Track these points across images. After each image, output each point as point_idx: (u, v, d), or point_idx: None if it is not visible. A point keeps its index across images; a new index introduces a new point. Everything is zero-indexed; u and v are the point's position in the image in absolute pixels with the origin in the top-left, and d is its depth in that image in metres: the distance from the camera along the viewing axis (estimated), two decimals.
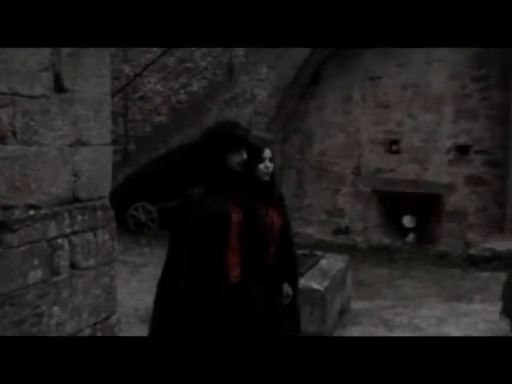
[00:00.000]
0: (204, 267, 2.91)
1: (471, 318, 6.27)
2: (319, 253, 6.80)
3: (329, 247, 8.93)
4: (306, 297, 5.31)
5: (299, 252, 6.88)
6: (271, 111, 9.87)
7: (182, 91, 11.50)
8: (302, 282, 5.50)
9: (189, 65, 11.49)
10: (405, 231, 9.82)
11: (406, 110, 9.75)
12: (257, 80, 9.82)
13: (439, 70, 9.49)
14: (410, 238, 9.73)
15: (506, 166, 9.00)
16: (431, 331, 5.81)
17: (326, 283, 5.59)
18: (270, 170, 3.37)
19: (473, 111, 9.37)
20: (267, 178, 3.37)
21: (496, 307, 5.97)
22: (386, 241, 9.75)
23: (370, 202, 9.99)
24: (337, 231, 10.12)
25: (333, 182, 10.21)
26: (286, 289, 3.57)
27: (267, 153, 3.36)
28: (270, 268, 3.38)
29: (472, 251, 8.71)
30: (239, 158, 3.01)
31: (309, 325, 5.28)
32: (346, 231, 10.10)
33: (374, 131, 9.96)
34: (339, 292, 6.01)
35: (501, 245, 8.46)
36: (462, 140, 9.46)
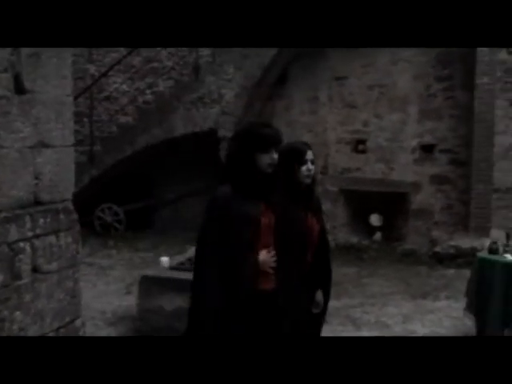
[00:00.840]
0: (230, 272, 2.82)
1: (436, 315, 6.37)
2: None
3: None
4: None
5: None
6: (238, 111, 9.86)
7: (148, 91, 11.42)
8: None
9: (155, 65, 11.42)
10: (372, 230, 9.91)
11: (372, 109, 9.85)
12: (223, 80, 9.80)
13: (404, 70, 9.61)
14: (377, 236, 9.82)
15: (469, 165, 9.15)
16: (397, 329, 5.89)
17: None
18: (312, 172, 3.28)
19: (437, 111, 9.51)
20: (309, 181, 3.29)
21: (460, 304, 6.08)
22: (354, 239, 9.83)
23: (338, 201, 10.05)
24: None
25: None
26: (319, 297, 3.46)
27: (309, 154, 3.28)
28: (306, 276, 3.27)
29: (437, 249, 8.84)
30: (269, 158, 2.90)
31: None
32: None
33: (341, 131, 10.03)
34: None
35: (465, 242, 8.60)
36: (427, 139, 9.59)
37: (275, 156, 2.92)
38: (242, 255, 2.84)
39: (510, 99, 9.27)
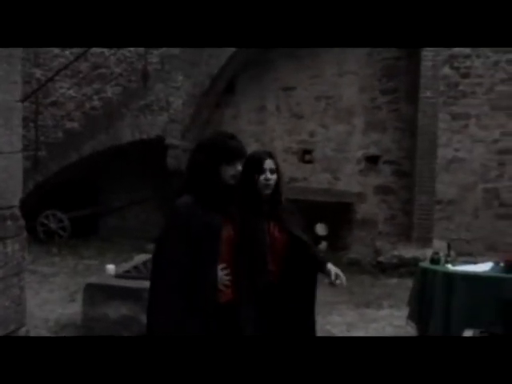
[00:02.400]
0: (191, 285, 2.74)
1: (379, 324, 6.50)
2: None
3: None
4: None
5: None
6: (186, 119, 9.86)
7: (95, 97, 11.28)
8: None
9: (103, 71, 11.29)
10: (317, 239, 10.04)
11: (319, 120, 10.02)
12: (172, 88, 9.78)
13: (350, 82, 9.82)
14: (323, 245, 9.94)
15: (412, 177, 9.41)
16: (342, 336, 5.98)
17: None
18: (271, 182, 3.17)
19: (382, 123, 9.76)
20: (268, 191, 3.18)
21: (403, 312, 6.22)
22: None
23: None
24: None
25: None
26: (332, 268, 3.32)
27: (268, 163, 3.17)
28: (271, 285, 3.17)
29: (381, 258, 9.03)
30: (233, 170, 2.86)
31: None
32: None
33: (288, 141, 10.16)
34: None
35: (408, 252, 8.83)
36: (372, 151, 9.83)
37: (239, 168, 2.89)
38: (204, 268, 2.78)
39: (452, 113, 9.62)
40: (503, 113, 9.71)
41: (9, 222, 3.28)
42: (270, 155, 3.26)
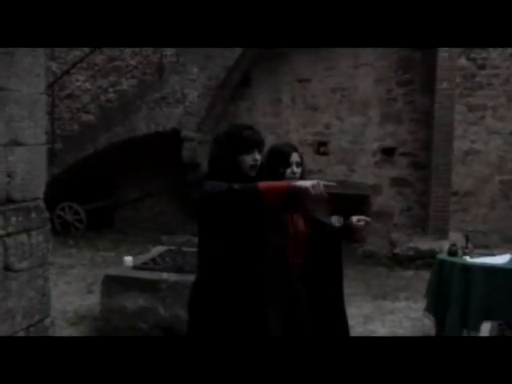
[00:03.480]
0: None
1: (396, 316, 6.51)
2: None
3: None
4: None
5: None
6: (202, 112, 9.86)
7: (111, 90, 11.31)
8: None
9: (118, 63, 11.32)
10: None
11: (334, 112, 10.00)
12: (187, 80, 9.79)
13: (366, 74, 9.79)
14: None
15: (428, 168, 9.37)
16: (359, 329, 5.99)
17: None
18: (297, 175, 3.13)
19: (398, 115, 9.73)
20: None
21: (419, 305, 6.23)
22: None
23: None
24: None
25: None
26: (334, 220, 3.38)
27: (294, 157, 3.14)
28: (295, 278, 3.14)
29: (397, 250, 9.01)
30: (251, 159, 2.83)
31: None
32: None
33: (303, 133, 10.14)
34: None
35: (424, 244, 8.81)
36: (388, 142, 9.80)
37: (258, 157, 2.86)
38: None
39: (468, 104, 9.57)
40: None
41: (33, 214, 3.32)
42: (295, 148, 3.24)
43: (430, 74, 9.33)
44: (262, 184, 2.64)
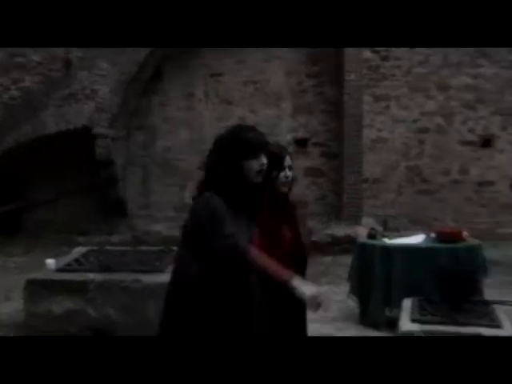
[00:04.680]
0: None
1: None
2: (176, 248, 6.86)
3: (178, 243, 8.98)
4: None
5: (154, 249, 6.91)
6: (113, 108, 9.69)
7: (13, 87, 10.84)
8: (164, 277, 5.54)
9: (20, 59, 10.86)
10: None
11: (248, 105, 10.11)
12: (97, 76, 9.58)
13: (277, 66, 9.98)
14: None
15: (340, 158, 9.70)
16: None
17: None
18: (289, 179, 3.00)
19: (309, 106, 9.99)
20: (285, 189, 3.00)
21: (341, 288, 6.45)
22: None
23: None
24: None
25: (179, 177, 10.29)
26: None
27: (287, 160, 2.97)
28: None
29: (314, 238, 9.26)
30: (258, 164, 2.57)
31: None
32: None
33: (218, 127, 10.14)
34: None
35: (339, 230, 9.12)
36: (301, 134, 10.05)
37: (264, 161, 2.60)
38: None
39: (374, 95, 9.98)
40: (421, 94, 10.17)
41: None
42: (287, 150, 3.12)
43: (338, 66, 9.64)
44: (260, 259, 2.46)
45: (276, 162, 2.89)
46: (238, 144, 2.58)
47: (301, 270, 3.07)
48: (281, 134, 10.07)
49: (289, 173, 2.98)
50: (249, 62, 9.97)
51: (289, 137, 10.06)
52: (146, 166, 10.38)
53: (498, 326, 4.32)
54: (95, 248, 6.54)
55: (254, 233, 2.66)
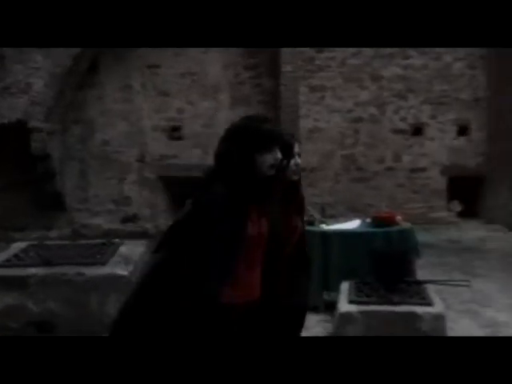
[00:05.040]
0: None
1: None
2: (117, 240, 6.88)
3: (118, 236, 8.95)
4: (110, 284, 5.39)
5: (95, 242, 6.90)
6: (49, 101, 9.52)
7: None
8: (107, 269, 5.57)
9: None
10: None
11: (185, 97, 10.15)
12: (31, 69, 9.39)
13: (214, 58, 10.04)
14: None
15: None
16: None
17: (129, 268, 5.68)
18: (299, 167, 2.91)
19: (247, 97, 10.11)
20: (296, 178, 2.91)
21: None
22: None
23: (157, 188, 10.23)
24: (125, 219, 10.19)
25: (118, 170, 10.24)
26: None
27: (296, 147, 2.87)
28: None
29: None
30: (272, 158, 2.46)
31: (116, 311, 5.37)
32: (134, 218, 10.22)
33: (156, 119, 10.20)
34: None
35: None
36: None
37: (279, 155, 2.49)
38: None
39: (310, 86, 10.20)
40: (355, 84, 10.46)
41: None
42: (295, 137, 3.00)
43: (274, 57, 9.80)
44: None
45: (285, 150, 2.74)
46: (251, 136, 2.46)
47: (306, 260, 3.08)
48: (219, 125, 10.15)
49: (298, 160, 2.90)
50: (186, 54, 9.99)
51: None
52: (83, 160, 10.27)
53: (430, 304, 4.59)
54: (35, 243, 6.46)
55: (264, 225, 2.54)
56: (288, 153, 2.72)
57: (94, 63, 10.01)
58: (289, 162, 2.77)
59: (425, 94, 10.55)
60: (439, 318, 4.44)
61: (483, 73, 10.59)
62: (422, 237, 6.86)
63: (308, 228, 6.01)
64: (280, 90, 9.62)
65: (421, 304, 4.48)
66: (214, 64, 10.06)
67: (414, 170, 10.66)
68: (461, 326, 5.31)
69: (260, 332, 2.60)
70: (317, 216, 6.24)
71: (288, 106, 9.61)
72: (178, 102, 10.17)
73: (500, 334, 5.14)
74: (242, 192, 2.44)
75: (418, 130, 10.64)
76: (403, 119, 10.60)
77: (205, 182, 2.58)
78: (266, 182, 2.50)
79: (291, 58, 9.54)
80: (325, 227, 6.00)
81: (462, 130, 10.71)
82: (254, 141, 2.44)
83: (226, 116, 10.14)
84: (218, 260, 2.40)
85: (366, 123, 10.50)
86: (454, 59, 10.57)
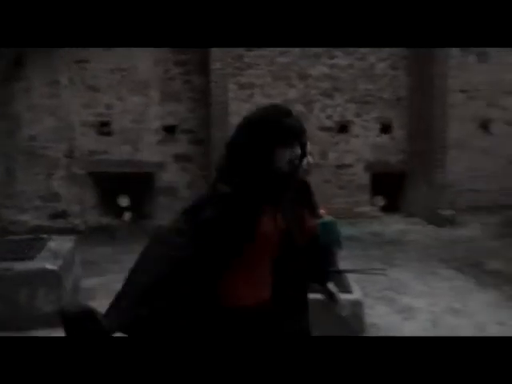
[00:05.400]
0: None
1: None
2: (45, 236, 6.87)
3: (47, 232, 8.89)
4: (40, 278, 5.42)
5: (23, 237, 6.87)
6: None
7: None
8: (36, 264, 5.58)
9: None
10: (121, 210, 10.25)
11: (115, 93, 10.12)
12: None
13: (145, 54, 10.06)
14: (127, 216, 10.19)
15: (208, 144, 10.02)
16: None
17: (58, 263, 5.72)
18: (311, 166, 2.74)
19: (177, 94, 10.19)
20: (307, 176, 2.77)
21: None
22: (104, 221, 10.07)
23: (86, 184, 10.16)
24: (54, 215, 10.08)
25: (45, 166, 10.10)
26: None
27: (309, 146, 2.65)
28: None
29: None
30: (291, 153, 2.32)
31: (45, 305, 5.41)
32: (63, 215, 10.12)
33: (85, 114, 10.11)
34: (71, 271, 6.20)
35: None
36: (169, 121, 10.23)
37: (299, 151, 2.37)
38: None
39: (239, 83, 10.39)
40: (283, 82, 10.73)
41: None
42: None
43: (204, 54, 9.91)
44: None
45: (302, 147, 2.57)
46: (274, 127, 2.29)
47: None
48: (149, 121, 10.20)
49: (311, 159, 2.73)
50: (115, 49, 9.95)
51: (157, 124, 10.21)
52: (9, 155, 10.07)
53: (349, 291, 4.88)
54: None
55: (280, 222, 2.43)
56: (303, 150, 2.52)
57: (19, 57, 9.82)
58: (301, 160, 2.55)
59: (350, 92, 10.94)
60: (357, 304, 4.73)
61: (405, 73, 11.08)
62: (346, 231, 7.18)
63: None
64: (210, 87, 9.75)
65: (341, 291, 4.74)
66: (144, 60, 10.08)
67: (339, 167, 11.03)
68: (377, 312, 5.64)
69: (273, 332, 2.46)
70: None
71: (218, 103, 9.75)
72: (108, 98, 10.12)
73: (414, 320, 5.49)
74: (256, 187, 2.29)
75: (343, 128, 11.02)
76: (329, 117, 10.95)
77: (216, 178, 2.38)
78: (282, 179, 2.35)
79: (220, 56, 9.68)
80: None
81: (385, 128, 11.16)
82: (277, 133, 2.29)
83: (155, 112, 10.20)
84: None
85: None
86: (378, 59, 11.00)
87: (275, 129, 2.28)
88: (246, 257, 2.31)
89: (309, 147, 2.61)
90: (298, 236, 2.57)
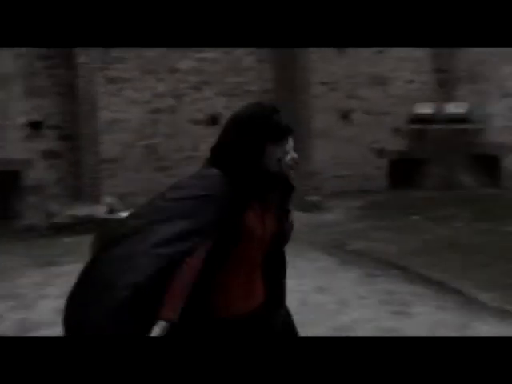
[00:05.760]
0: None
1: (65, 278, 6.94)
2: None
3: None
4: None
5: None
6: None
7: None
8: None
9: None
10: None
11: None
12: None
13: (4, 48, 9.65)
14: None
15: (77, 139, 9.85)
16: (33, 295, 6.30)
17: None
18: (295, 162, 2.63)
19: (42, 89, 9.89)
20: (291, 173, 2.66)
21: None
22: None
23: None
24: None
25: None
26: None
27: (291, 142, 2.57)
28: None
29: (55, 220, 9.34)
30: (281, 151, 2.36)
31: None
32: None
33: None
34: None
35: (81, 211, 9.32)
36: (34, 116, 9.92)
37: (288, 149, 2.39)
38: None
39: (108, 77, 10.29)
40: (152, 76, 10.76)
41: None
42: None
43: (69, 48, 9.68)
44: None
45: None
46: (265, 124, 2.32)
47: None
48: (13, 117, 9.83)
49: (295, 155, 2.61)
50: None
51: (21, 120, 9.87)
52: None
53: None
54: None
55: (270, 221, 2.44)
56: (290, 147, 2.51)
57: None
58: (284, 157, 2.50)
59: (219, 85, 11.18)
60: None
61: (270, 66, 11.50)
62: None
63: (110, 217, 6.31)
64: (77, 82, 9.58)
65: None
66: (4, 53, 9.68)
67: None
68: None
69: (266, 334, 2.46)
70: (118, 207, 6.48)
71: (86, 98, 9.62)
72: None
73: None
74: (245, 185, 2.31)
75: (214, 120, 11.24)
76: (200, 110, 11.13)
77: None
78: (272, 176, 2.38)
79: (87, 49, 9.53)
80: (124, 214, 6.26)
81: None
82: (268, 130, 2.32)
83: (19, 108, 9.84)
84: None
85: (164, 114, 10.85)
86: (245, 53, 11.33)
87: (266, 126, 2.31)
88: (235, 259, 2.33)
89: (292, 143, 2.58)
90: (285, 235, 2.57)
